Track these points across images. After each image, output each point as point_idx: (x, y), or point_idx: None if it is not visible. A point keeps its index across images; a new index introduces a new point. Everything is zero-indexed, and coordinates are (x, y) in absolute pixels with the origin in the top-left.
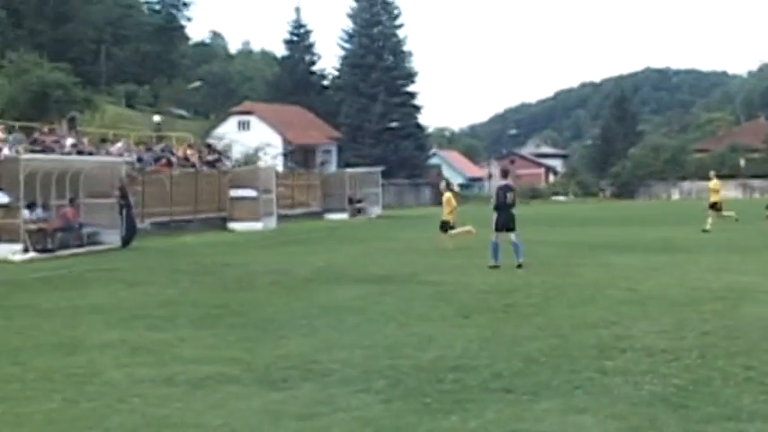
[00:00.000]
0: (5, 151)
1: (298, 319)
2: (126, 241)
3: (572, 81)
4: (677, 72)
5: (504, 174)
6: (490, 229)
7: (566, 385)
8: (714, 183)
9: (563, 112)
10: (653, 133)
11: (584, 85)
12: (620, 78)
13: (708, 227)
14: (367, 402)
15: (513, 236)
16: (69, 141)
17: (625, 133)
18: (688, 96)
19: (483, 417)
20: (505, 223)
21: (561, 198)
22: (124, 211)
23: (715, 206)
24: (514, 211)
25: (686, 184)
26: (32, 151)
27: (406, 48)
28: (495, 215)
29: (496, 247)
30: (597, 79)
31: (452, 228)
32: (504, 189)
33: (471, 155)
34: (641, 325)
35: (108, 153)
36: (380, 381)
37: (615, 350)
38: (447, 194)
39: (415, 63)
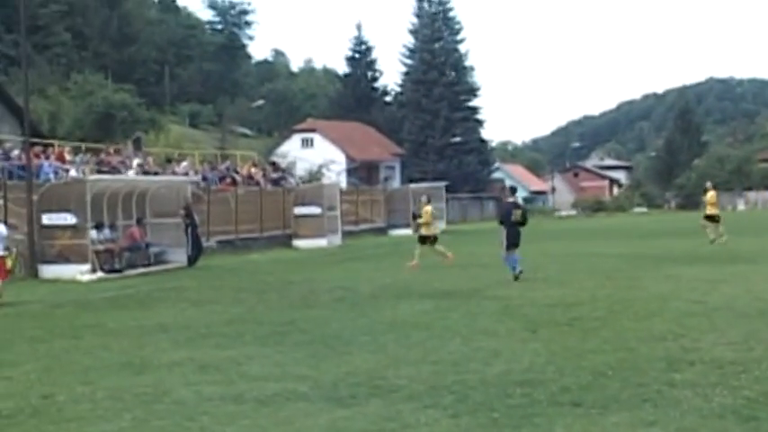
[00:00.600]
0: (72, 172)
1: (363, 336)
2: (192, 260)
3: (635, 92)
4: (741, 81)
5: (513, 191)
6: (501, 247)
7: (634, 398)
8: (711, 195)
9: (626, 123)
10: (717, 144)
11: (646, 97)
12: (684, 89)
13: (713, 236)
14: (435, 418)
15: (518, 252)
16: (135, 162)
17: (689, 144)
18: (752, 106)
19: (552, 431)
20: (514, 240)
21: (643, 209)
22: (189, 230)
23: (712, 218)
24: (522, 229)
25: (752, 195)
26: (99, 172)
27: (467, 62)
28: (504, 233)
29: (509, 260)
30: (660, 90)
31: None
32: (512, 206)
33: (534, 168)
34: (709, 337)
35: (174, 173)
36: (448, 396)
37: (683, 363)
38: (427, 208)
39: (477, 77)
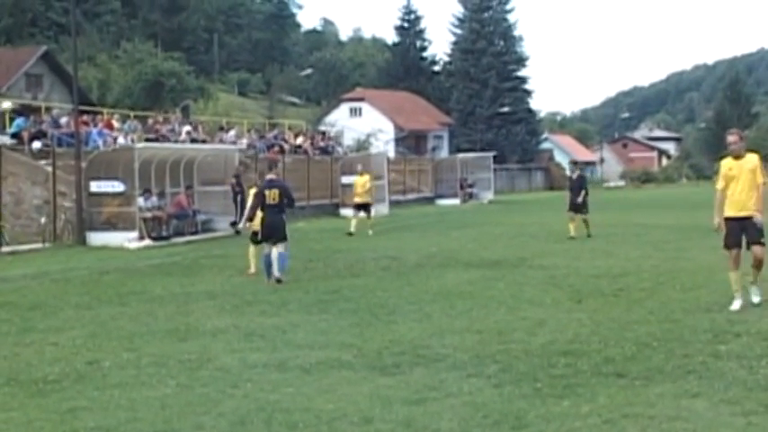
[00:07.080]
0: (120, 140)
1: (409, 305)
2: (234, 225)
3: (685, 63)
4: None
5: (270, 166)
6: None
7: (678, 370)
8: (362, 179)
9: (676, 94)
10: (767, 115)
11: (697, 68)
12: (734, 60)
13: (352, 229)
14: (478, 387)
15: (279, 247)
16: (184, 129)
17: (739, 115)
18: None
19: (595, 401)
20: (269, 232)
21: (682, 182)
22: (239, 198)
23: (363, 207)
24: (285, 216)
25: None
26: (147, 140)
27: (516, 32)
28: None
29: (264, 259)
30: (710, 61)
31: None
32: (269, 185)
33: (583, 139)
34: (756, 309)
35: (221, 141)
36: (492, 365)
37: (729, 334)
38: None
39: (526, 47)
